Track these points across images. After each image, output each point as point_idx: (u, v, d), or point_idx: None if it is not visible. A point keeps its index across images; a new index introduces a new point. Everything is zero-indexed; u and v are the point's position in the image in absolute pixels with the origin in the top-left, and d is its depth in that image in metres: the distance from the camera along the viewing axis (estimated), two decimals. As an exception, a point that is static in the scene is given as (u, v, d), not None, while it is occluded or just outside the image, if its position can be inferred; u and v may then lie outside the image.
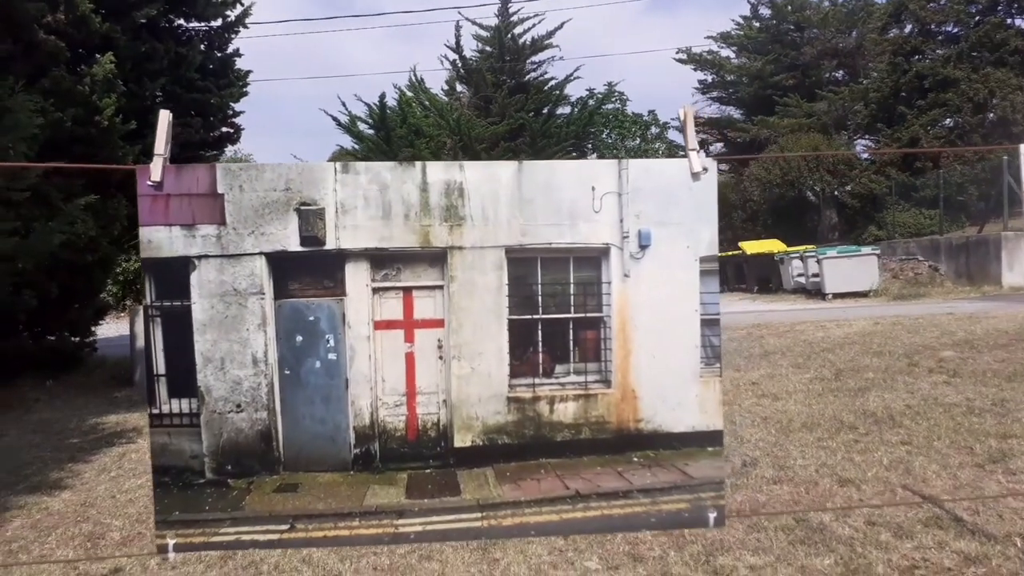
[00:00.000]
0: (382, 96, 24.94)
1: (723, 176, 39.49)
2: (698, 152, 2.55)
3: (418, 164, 2.48)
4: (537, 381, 2.58)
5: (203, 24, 14.63)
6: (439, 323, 2.53)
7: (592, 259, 2.59)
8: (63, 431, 8.16)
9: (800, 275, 23.47)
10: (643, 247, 2.57)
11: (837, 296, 21.04)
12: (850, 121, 35.27)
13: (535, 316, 2.57)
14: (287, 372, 2.49)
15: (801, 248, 24.51)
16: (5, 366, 11.15)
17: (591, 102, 30.44)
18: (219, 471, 2.46)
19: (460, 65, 30.18)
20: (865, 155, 33.56)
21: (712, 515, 2.58)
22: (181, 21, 14.27)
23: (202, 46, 14.63)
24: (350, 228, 2.46)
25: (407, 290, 2.52)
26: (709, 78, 41.28)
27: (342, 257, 2.48)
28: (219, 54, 15.05)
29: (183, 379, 2.45)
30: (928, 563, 3.73)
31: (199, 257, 2.42)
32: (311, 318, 2.49)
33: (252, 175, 2.43)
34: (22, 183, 8.68)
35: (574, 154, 27.61)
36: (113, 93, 11.08)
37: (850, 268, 21.34)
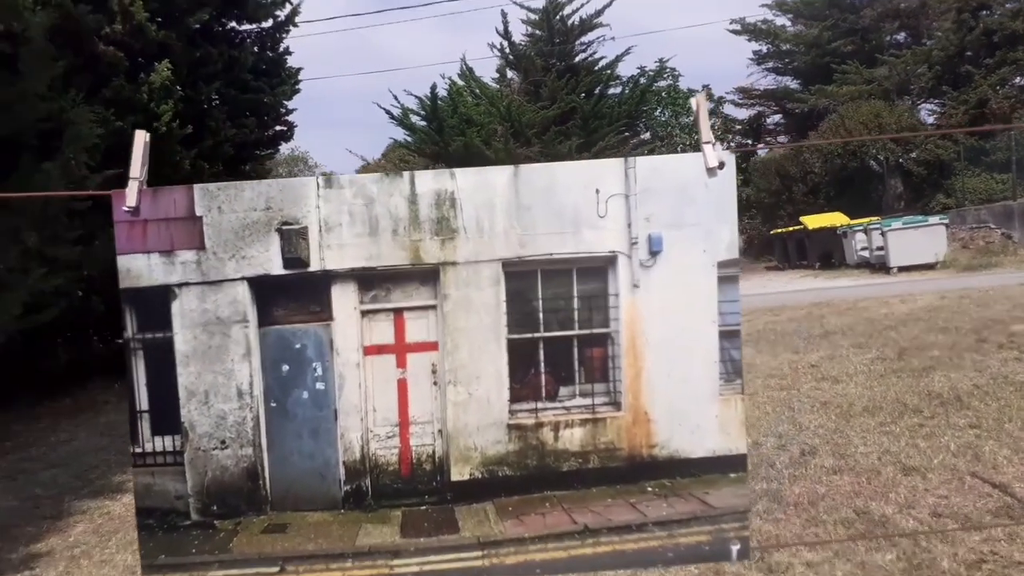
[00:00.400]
0: (433, 87, 24.98)
1: (782, 149, 38.31)
2: (714, 145, 2.28)
3: (406, 174, 2.28)
4: (540, 405, 2.36)
5: (254, 26, 14.83)
6: (433, 346, 2.33)
7: (598, 269, 2.35)
8: (128, 434, 8.33)
9: (864, 249, 22.72)
10: (654, 253, 2.32)
11: (903, 269, 20.29)
12: (913, 85, 33.71)
13: (536, 334, 2.35)
14: (273, 404, 2.33)
15: (865, 220, 23.71)
16: (77, 371, 11.52)
17: (642, 80, 29.83)
18: (205, 512, 2.33)
19: (509, 51, 29.98)
20: (931, 120, 32.00)
21: (735, 548, 2.34)
22: (233, 24, 14.49)
23: (254, 47, 14.83)
24: (335, 247, 2.28)
25: (398, 311, 2.33)
26: (764, 48, 39.98)
27: (328, 279, 2.30)
28: (270, 54, 15.26)
29: (166, 415, 2.31)
30: (997, 557, 3.55)
31: (179, 285, 2.28)
32: (297, 346, 2.33)
33: (231, 195, 2.27)
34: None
35: (627, 134, 27.14)
36: (170, 99, 11.32)
37: (916, 239, 20.49)
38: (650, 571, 2.62)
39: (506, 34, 29.46)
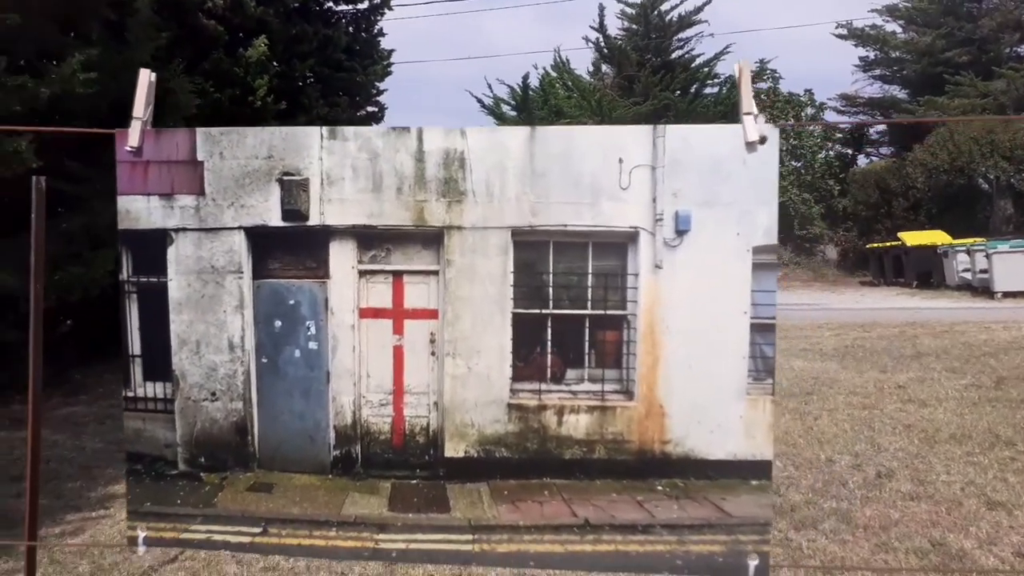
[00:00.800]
0: (525, 77, 25.01)
1: (884, 160, 36.63)
2: (755, 117, 2.05)
3: (414, 129, 2.14)
4: (544, 387, 2.18)
5: (349, 6, 15.09)
6: (432, 314, 2.19)
7: (616, 245, 2.15)
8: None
9: (966, 270, 21.51)
10: (680, 232, 2.10)
11: (1008, 295, 19.08)
12: (1034, 101, 31.50)
13: (544, 311, 2.17)
14: (264, 360, 2.23)
15: (969, 241, 22.42)
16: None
17: (740, 80, 28.92)
18: (192, 463, 2.26)
19: (603, 44, 29.72)
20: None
21: (753, 563, 2.10)
22: (329, 3, 14.78)
23: (348, 27, 15.12)
24: (336, 202, 2.16)
25: (397, 274, 2.20)
26: (871, 55, 38.10)
27: (326, 234, 2.18)
28: (364, 35, 15.53)
29: (158, 361, 2.25)
30: (1083, 606, 3.20)
31: (176, 230, 2.21)
32: (291, 302, 2.22)
33: (233, 140, 2.19)
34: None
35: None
36: (266, 74, 11.63)
37: (1024, 264, 19.19)
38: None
39: (601, 27, 29.21)
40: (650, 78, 26.30)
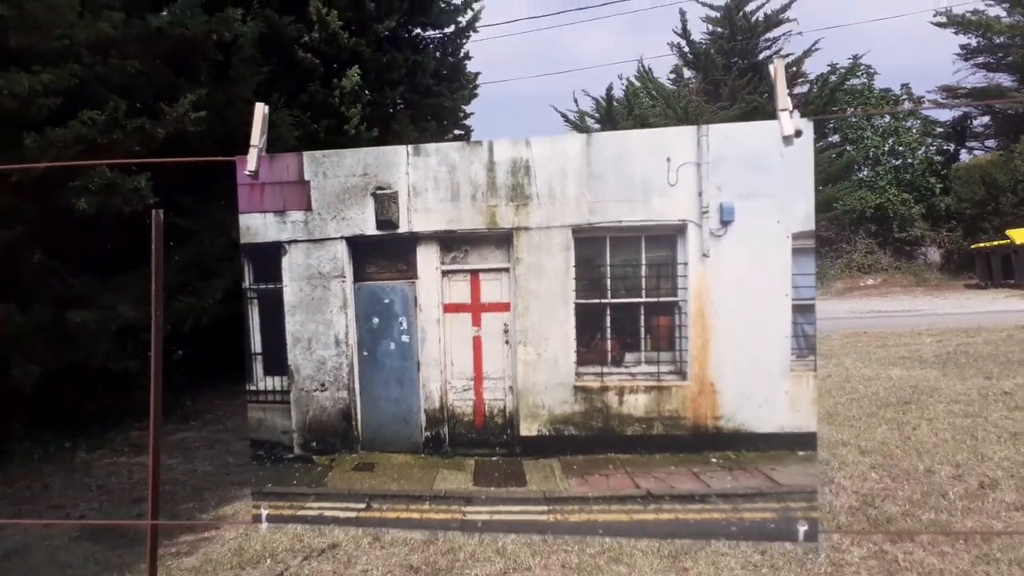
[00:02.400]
0: (608, 89, 25.08)
1: (989, 154, 34.76)
2: (791, 113, 2.26)
3: (485, 142, 2.45)
4: (605, 370, 2.44)
5: (437, 31, 15.59)
6: (505, 307, 2.48)
7: (667, 237, 2.39)
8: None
9: (1083, 267, 20.13)
10: (725, 223, 2.33)
11: None
12: None
13: (604, 300, 2.43)
14: (365, 353, 2.58)
15: (1085, 235, 20.99)
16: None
17: (832, 78, 28.25)
18: (305, 447, 2.61)
19: (688, 50, 29.54)
20: None
21: (803, 528, 2.28)
22: (418, 30, 15.31)
23: (436, 53, 15.59)
24: (421, 211, 2.49)
25: (474, 273, 2.50)
26: (973, 42, 36.30)
27: (414, 240, 2.52)
28: (451, 59, 15.97)
29: (276, 358, 2.62)
30: None
31: (289, 242, 2.58)
32: (386, 300, 2.56)
33: (334, 161, 2.55)
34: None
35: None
36: (359, 103, 12.17)
37: None
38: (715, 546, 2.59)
39: (684, 33, 29.06)
40: (737, 81, 25.98)
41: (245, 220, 2.60)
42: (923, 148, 34.65)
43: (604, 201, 2.38)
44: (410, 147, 2.50)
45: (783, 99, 2.26)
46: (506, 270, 2.48)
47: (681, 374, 2.40)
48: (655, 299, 2.41)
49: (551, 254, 2.42)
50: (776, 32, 28.64)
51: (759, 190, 2.30)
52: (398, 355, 2.56)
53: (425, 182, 2.48)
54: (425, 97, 14.92)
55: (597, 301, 2.43)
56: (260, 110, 2.57)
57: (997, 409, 7.11)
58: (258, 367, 2.66)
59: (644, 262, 2.41)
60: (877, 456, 5.70)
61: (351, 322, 2.57)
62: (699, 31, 29.51)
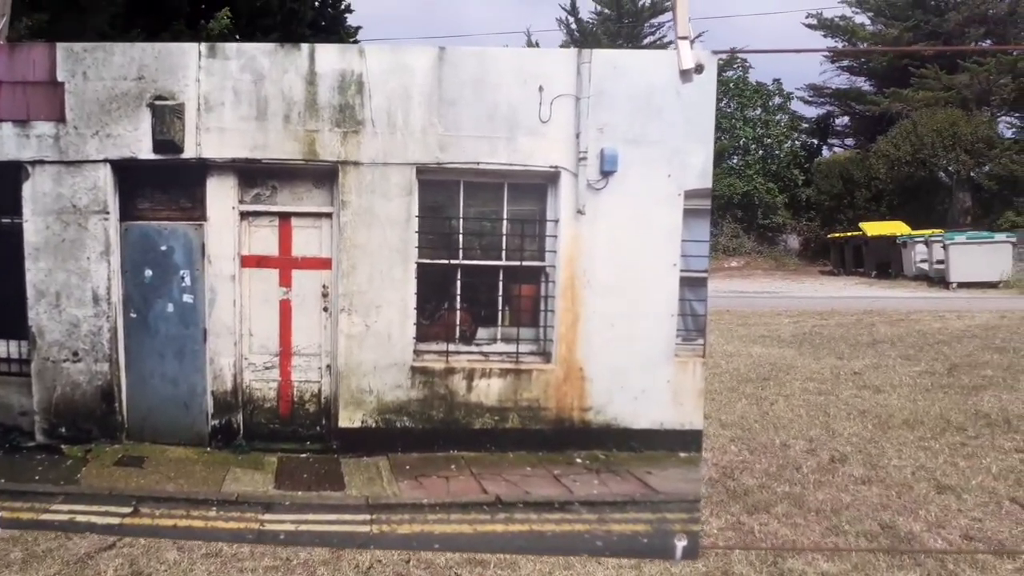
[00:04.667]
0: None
1: (848, 151, 36.94)
2: (691, 42, 1.81)
3: (305, 47, 1.86)
4: (452, 348, 1.93)
5: (315, -21, 14.65)
6: (325, 263, 1.92)
7: (535, 187, 1.90)
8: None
9: (923, 261, 21.91)
10: (606, 173, 1.86)
11: (962, 285, 19.44)
12: (994, 96, 31.97)
13: (453, 261, 1.92)
14: (133, 315, 1.95)
15: (927, 232, 22.81)
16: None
17: (708, 68, 28.99)
18: (52, 434, 1.97)
19: (575, 28, 29.56)
20: (1010, 134, 30.38)
21: (681, 544, 1.88)
22: (295, -23, 14.32)
23: (314, 2, 14.68)
24: (215, 131, 1.88)
25: (284, 216, 1.93)
26: (840, 46, 38.40)
27: (203, 169, 1.90)
28: (331, 11, 15.11)
29: (11, 316, 1.95)
30: (1030, 586, 3.26)
31: (33, 162, 1.91)
32: (163, 247, 1.94)
33: (99, 58, 1.89)
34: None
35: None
36: None
37: (980, 256, 19.60)
38: (575, 561, 2.18)
39: (573, 10, 29.01)
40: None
41: (-27, 129, 1.91)
42: (789, 142, 36.37)
43: (458, 136, 1.86)
44: (203, 45, 1.87)
45: (683, 26, 1.81)
46: (327, 215, 1.91)
47: (544, 355, 1.93)
48: (517, 263, 1.92)
49: (387, 198, 1.88)
50: (661, 19, 29.09)
51: (648, 136, 1.85)
52: (178, 320, 1.95)
53: (222, 93, 1.87)
54: (299, 46, 14.03)
55: (445, 262, 1.91)
56: (-3, -23, 1.87)
57: (848, 388, 7.65)
58: (-12, 328, 1.98)
59: (506, 216, 1.91)
60: (737, 430, 6.08)
61: (115, 273, 1.93)
62: (587, 10, 29.54)
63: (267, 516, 1.94)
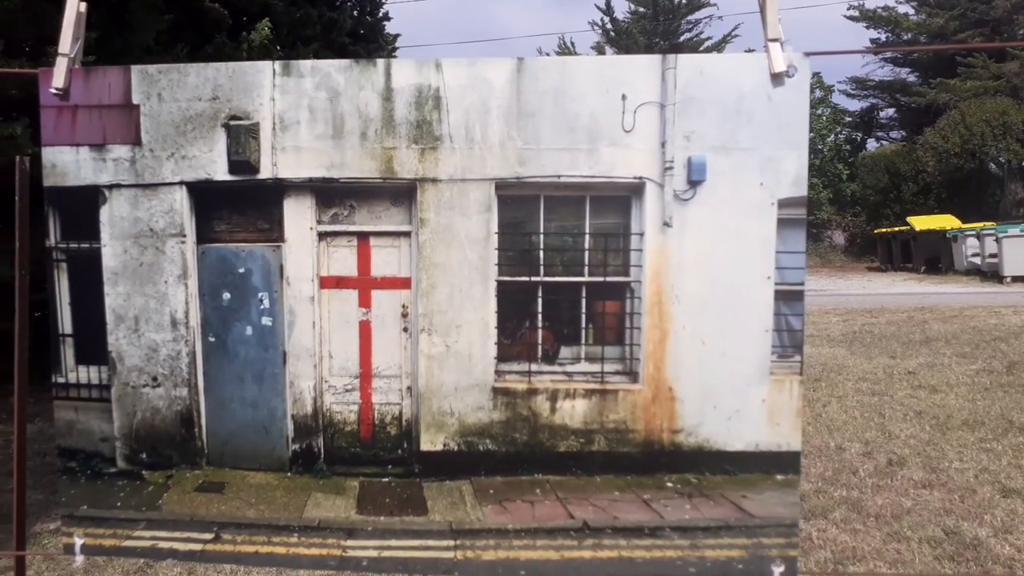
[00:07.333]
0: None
1: (894, 144, 36.12)
2: (782, 45, 1.73)
3: (380, 62, 1.82)
4: (535, 368, 1.87)
5: (354, -11, 14.82)
6: (404, 283, 1.88)
7: (618, 199, 1.84)
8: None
9: (975, 255, 21.24)
10: (694, 183, 1.79)
11: (1017, 279, 18.82)
12: (1046, 84, 31.00)
13: (534, 278, 1.86)
14: (212, 339, 1.93)
15: (978, 225, 22.14)
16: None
17: (747, 64, 28.67)
18: (132, 460, 1.96)
19: (611, 28, 29.45)
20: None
21: (778, 570, 1.79)
22: (334, -14, 14.50)
23: (353, 11, 14.85)
24: (291, 150, 1.85)
25: (363, 236, 1.89)
26: (883, 37, 37.58)
27: (280, 189, 1.87)
28: (369, 19, 15.27)
29: (91, 341, 1.95)
30: (1100, 595, 3.15)
31: (110, 187, 1.90)
32: (241, 270, 1.91)
33: (173, 79, 1.87)
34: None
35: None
36: (268, 58, 11.34)
37: (1036, 248, 18.91)
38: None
39: (608, 10, 28.88)
40: (657, 61, 26.00)
41: (50, 155, 1.90)
42: (832, 135, 35.69)
43: (538, 149, 1.80)
44: (277, 64, 1.84)
45: (773, 27, 1.72)
46: (406, 235, 1.87)
47: (631, 375, 1.86)
48: (601, 279, 1.85)
49: (466, 215, 1.82)
50: (698, 15, 28.81)
51: (739, 143, 1.77)
52: (257, 343, 1.92)
53: (297, 112, 1.83)
54: (340, 56, 14.28)
55: (526, 279, 1.85)
56: (73, 7, 1.87)
57: (902, 388, 7.39)
58: (68, 353, 1.97)
59: (588, 231, 1.85)
60: (788, 432, 5.80)
61: (193, 297, 1.91)
62: (622, 10, 29.41)
63: (349, 542, 1.90)
